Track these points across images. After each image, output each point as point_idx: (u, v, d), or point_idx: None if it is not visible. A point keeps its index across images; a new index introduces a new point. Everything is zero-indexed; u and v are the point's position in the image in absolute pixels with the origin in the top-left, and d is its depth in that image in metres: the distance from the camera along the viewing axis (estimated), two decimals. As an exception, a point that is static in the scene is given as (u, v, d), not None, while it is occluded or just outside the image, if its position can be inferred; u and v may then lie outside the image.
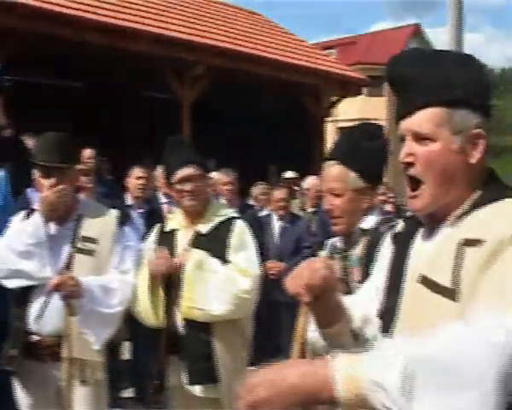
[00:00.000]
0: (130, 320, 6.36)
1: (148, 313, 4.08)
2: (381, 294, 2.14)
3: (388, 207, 10.52)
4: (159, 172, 7.83)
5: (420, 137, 1.91)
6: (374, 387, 1.56)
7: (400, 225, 2.21)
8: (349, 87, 18.22)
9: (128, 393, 7.15)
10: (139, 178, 7.34)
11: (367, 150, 3.20)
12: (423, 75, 1.92)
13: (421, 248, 2.01)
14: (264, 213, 8.91)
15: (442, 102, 1.89)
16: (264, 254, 8.04)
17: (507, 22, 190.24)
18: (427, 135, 1.90)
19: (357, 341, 2.14)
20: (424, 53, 2.03)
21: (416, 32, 49.28)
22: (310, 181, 9.63)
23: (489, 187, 1.91)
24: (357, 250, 3.26)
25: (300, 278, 1.95)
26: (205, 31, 14.82)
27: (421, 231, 2.05)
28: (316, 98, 17.68)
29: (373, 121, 3.45)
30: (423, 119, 1.90)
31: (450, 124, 1.88)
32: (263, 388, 1.67)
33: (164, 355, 4.15)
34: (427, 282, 1.84)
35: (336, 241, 3.44)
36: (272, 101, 16.88)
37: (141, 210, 7.31)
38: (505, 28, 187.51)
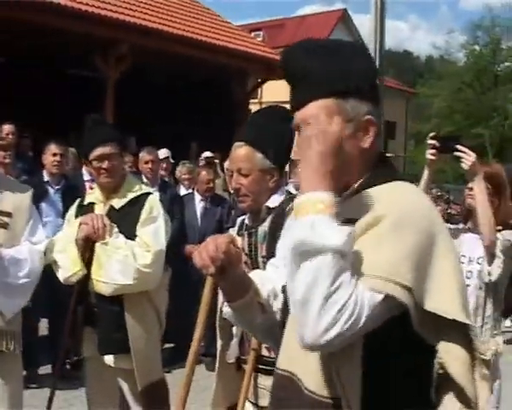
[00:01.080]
0: (48, 296, 6.40)
1: (72, 262, 4.14)
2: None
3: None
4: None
5: None
6: None
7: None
8: (274, 69, 18.29)
9: (45, 369, 7.13)
10: (55, 154, 7.31)
11: (274, 132, 3.30)
12: (314, 68, 2.00)
13: None
14: (187, 192, 8.95)
15: (334, 92, 1.98)
16: (186, 234, 8.15)
17: (431, 11, 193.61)
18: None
19: (266, 314, 2.22)
20: (316, 45, 2.10)
21: (343, 17, 49.77)
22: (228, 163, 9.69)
23: (376, 171, 2.03)
24: (264, 227, 3.36)
25: (205, 251, 2.01)
26: (130, 9, 14.70)
27: None
28: (241, 80, 17.75)
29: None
30: (316, 108, 1.98)
31: (342, 113, 1.97)
32: None
33: (80, 328, 4.24)
34: None
35: (245, 218, 3.55)
36: (198, 81, 16.87)
37: (58, 186, 7.34)
38: (429, 17, 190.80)
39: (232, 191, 9.31)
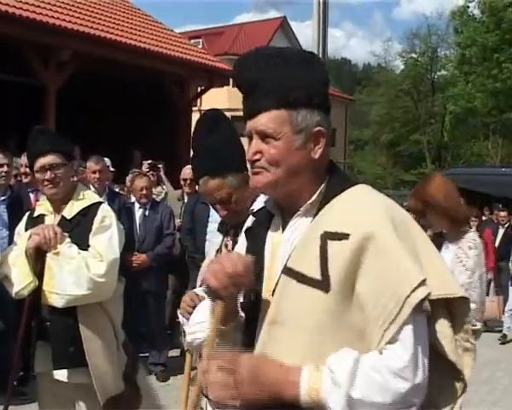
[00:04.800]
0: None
1: (23, 274, 4.03)
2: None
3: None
4: (23, 160, 7.67)
5: (265, 136, 2.05)
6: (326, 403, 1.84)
7: (249, 220, 2.33)
8: (216, 77, 18.30)
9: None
10: (1, 165, 7.13)
11: (227, 148, 3.31)
12: (266, 78, 2.05)
13: (276, 240, 2.14)
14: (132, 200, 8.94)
15: (283, 104, 2.03)
16: (134, 244, 8.16)
17: (366, 19, 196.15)
18: (271, 134, 2.03)
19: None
20: (267, 55, 2.13)
21: (282, 25, 50.15)
22: (185, 171, 9.50)
23: (333, 179, 2.11)
24: None
25: (222, 270, 1.97)
26: (71, 15, 14.51)
27: (273, 223, 2.18)
28: (182, 88, 17.68)
29: (213, 110, 3.54)
30: (267, 119, 2.04)
31: (291, 124, 2.03)
32: (246, 373, 1.88)
33: (33, 343, 4.14)
34: (293, 273, 1.97)
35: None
36: (139, 89, 16.75)
37: (3, 197, 7.16)
38: (365, 25, 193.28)
39: (186, 200, 9.36)
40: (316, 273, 1.91)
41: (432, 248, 2.02)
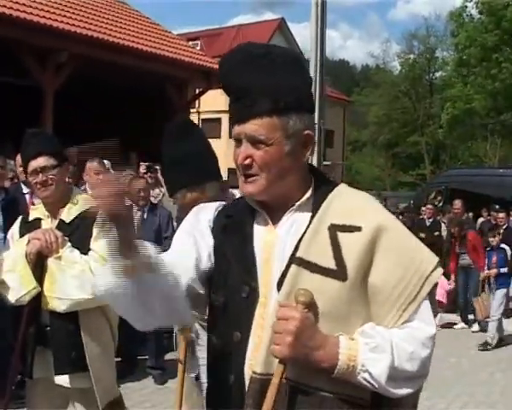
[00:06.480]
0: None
1: (25, 280, 3.96)
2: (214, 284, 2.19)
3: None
4: (19, 161, 7.63)
5: (256, 141, 2.03)
6: (364, 369, 1.94)
7: (221, 217, 2.25)
8: (214, 79, 18.29)
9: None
10: None
11: (194, 158, 3.32)
12: (255, 83, 2.02)
13: (269, 234, 2.13)
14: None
15: (275, 110, 2.02)
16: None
17: (362, 20, 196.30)
18: (263, 140, 2.02)
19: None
20: (253, 56, 2.09)
21: (280, 26, 50.18)
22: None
23: (319, 176, 2.18)
24: None
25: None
26: (69, 17, 14.50)
27: (259, 219, 2.17)
28: (180, 89, 17.69)
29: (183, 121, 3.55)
30: (258, 126, 2.02)
31: (283, 130, 2.02)
32: (293, 335, 1.90)
33: (32, 350, 4.08)
34: (304, 263, 2.00)
35: None
36: (137, 90, 16.74)
37: (-2, 199, 7.09)
38: (361, 26, 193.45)
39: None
40: (330, 263, 1.97)
41: None
